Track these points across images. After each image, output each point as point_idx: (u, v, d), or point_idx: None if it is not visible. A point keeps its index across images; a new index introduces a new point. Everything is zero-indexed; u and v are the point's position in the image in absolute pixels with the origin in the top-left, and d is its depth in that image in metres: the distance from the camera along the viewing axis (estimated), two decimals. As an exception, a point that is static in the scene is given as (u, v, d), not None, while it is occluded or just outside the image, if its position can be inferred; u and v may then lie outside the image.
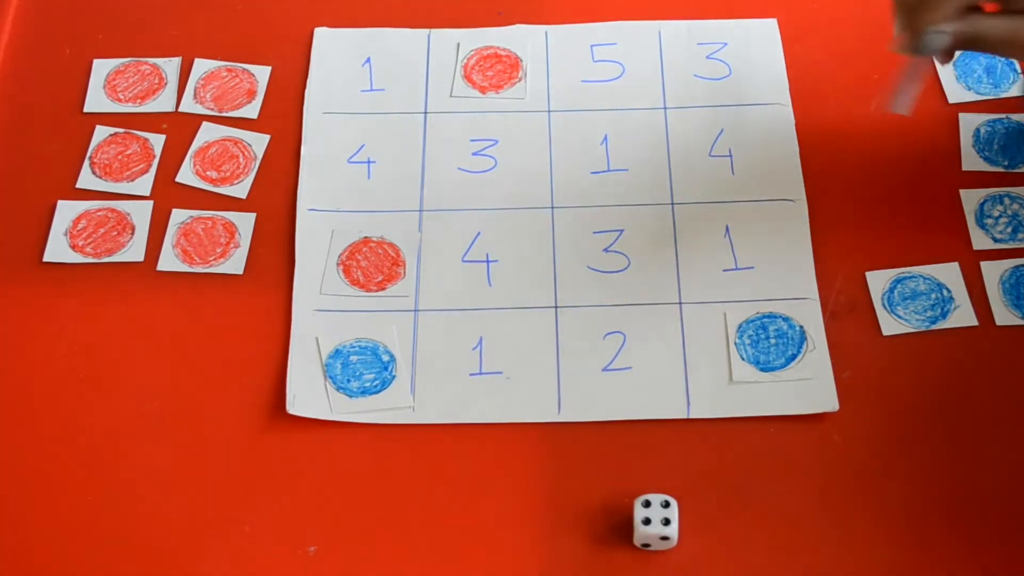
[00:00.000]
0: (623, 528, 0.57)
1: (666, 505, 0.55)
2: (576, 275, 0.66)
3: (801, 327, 0.63)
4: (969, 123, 0.70)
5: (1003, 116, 0.70)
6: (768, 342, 0.63)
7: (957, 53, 0.60)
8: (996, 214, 0.67)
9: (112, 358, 0.63)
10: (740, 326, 0.63)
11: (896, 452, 0.60)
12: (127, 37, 0.76)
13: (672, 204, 0.68)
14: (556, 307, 0.65)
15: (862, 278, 0.65)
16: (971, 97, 0.72)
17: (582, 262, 0.66)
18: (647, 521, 0.55)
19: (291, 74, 0.74)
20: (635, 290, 0.65)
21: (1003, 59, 0.73)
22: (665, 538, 0.55)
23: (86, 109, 0.73)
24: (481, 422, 0.61)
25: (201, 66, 0.74)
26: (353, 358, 0.63)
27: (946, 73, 0.72)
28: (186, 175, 0.70)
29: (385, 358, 0.63)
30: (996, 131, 0.70)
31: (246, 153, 0.70)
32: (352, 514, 0.58)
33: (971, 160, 0.69)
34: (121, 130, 0.71)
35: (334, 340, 0.63)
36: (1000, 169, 0.69)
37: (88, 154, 0.70)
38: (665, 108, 0.72)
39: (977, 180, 0.68)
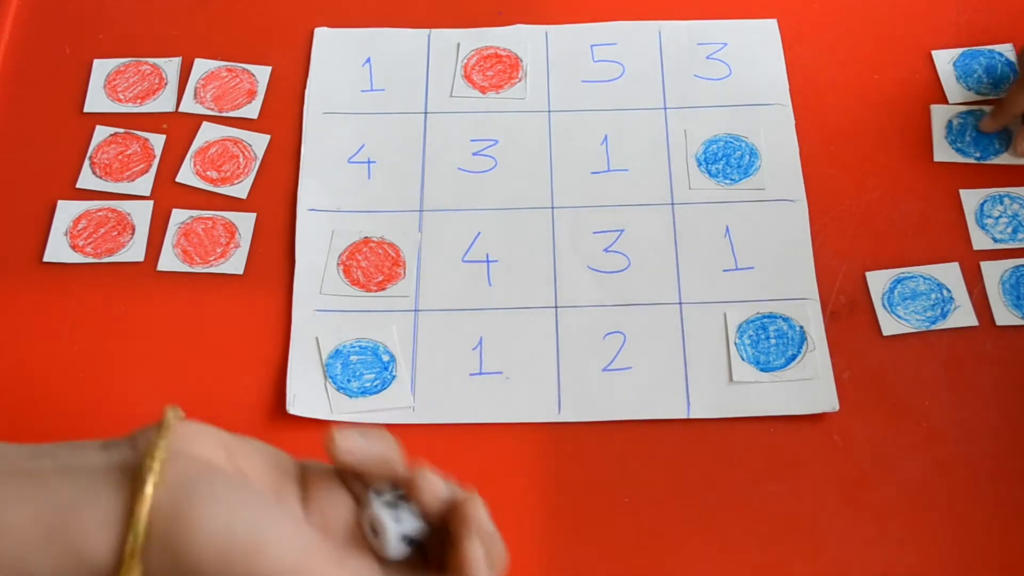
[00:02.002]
0: (623, 528, 0.57)
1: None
2: (576, 275, 0.66)
3: (801, 327, 0.63)
4: (941, 115, 0.70)
5: (976, 108, 0.70)
6: (768, 342, 0.63)
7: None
8: (996, 214, 0.67)
9: (112, 358, 0.63)
10: (740, 326, 0.63)
11: (896, 452, 0.60)
12: (127, 37, 0.76)
13: (672, 204, 0.68)
14: (556, 307, 0.65)
15: (862, 278, 0.65)
16: (971, 97, 0.72)
17: (582, 262, 0.66)
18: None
19: (291, 74, 0.74)
20: (635, 290, 0.65)
21: (1002, 59, 0.73)
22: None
23: (86, 109, 0.73)
24: (481, 422, 0.61)
25: (201, 66, 0.74)
26: (353, 358, 0.63)
27: (946, 73, 0.72)
28: (186, 175, 0.70)
29: (385, 358, 0.63)
30: (968, 123, 0.70)
31: (246, 153, 0.70)
32: (352, 514, 0.58)
33: (943, 152, 0.69)
34: (121, 130, 0.71)
35: (334, 340, 0.63)
36: (971, 160, 0.69)
37: (88, 154, 0.70)
38: (665, 108, 0.72)
39: (979, 177, 0.68)
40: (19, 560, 0.38)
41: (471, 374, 0.63)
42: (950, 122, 0.70)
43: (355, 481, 0.45)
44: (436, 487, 0.44)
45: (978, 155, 0.69)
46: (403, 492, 0.44)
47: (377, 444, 0.44)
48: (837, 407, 0.61)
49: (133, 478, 0.40)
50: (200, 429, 0.43)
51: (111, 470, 0.40)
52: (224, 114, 0.72)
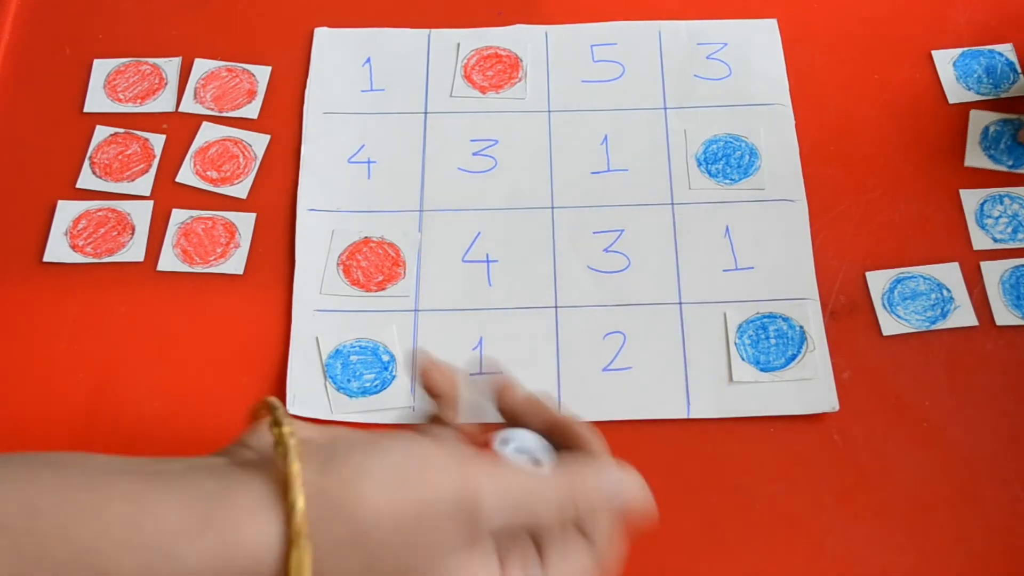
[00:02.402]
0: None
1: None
2: (576, 275, 0.66)
3: (801, 327, 0.63)
4: (979, 121, 0.71)
5: (1015, 117, 0.70)
6: (768, 342, 0.63)
7: None
8: (996, 214, 0.67)
9: (112, 358, 0.63)
10: (740, 326, 0.63)
11: (896, 452, 0.60)
12: (127, 37, 0.76)
13: (672, 204, 0.68)
14: (556, 307, 0.65)
15: (862, 278, 0.65)
16: (971, 97, 0.72)
17: (582, 262, 0.66)
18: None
19: (291, 74, 0.74)
20: (635, 290, 0.65)
21: (1003, 59, 0.73)
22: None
23: (86, 109, 0.73)
24: (481, 422, 0.61)
25: (201, 66, 0.74)
26: (353, 358, 0.63)
27: (946, 73, 0.73)
28: (186, 175, 0.70)
29: (385, 358, 0.63)
30: (1006, 131, 0.70)
31: (246, 153, 0.71)
32: (352, 514, 0.58)
33: (976, 157, 0.69)
34: (121, 130, 0.71)
35: (334, 340, 0.63)
36: (1003, 168, 0.69)
37: (88, 154, 0.70)
38: (665, 108, 0.72)
39: (977, 178, 0.68)
40: (171, 550, 0.38)
41: (471, 374, 0.62)
42: (986, 128, 0.70)
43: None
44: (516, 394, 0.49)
45: (1011, 163, 0.69)
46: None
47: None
48: (837, 407, 0.61)
49: (272, 464, 0.39)
50: (298, 421, 0.43)
51: (244, 464, 0.41)
52: (224, 114, 0.72)
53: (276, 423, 0.41)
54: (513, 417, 0.49)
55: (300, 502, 0.38)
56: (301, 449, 0.40)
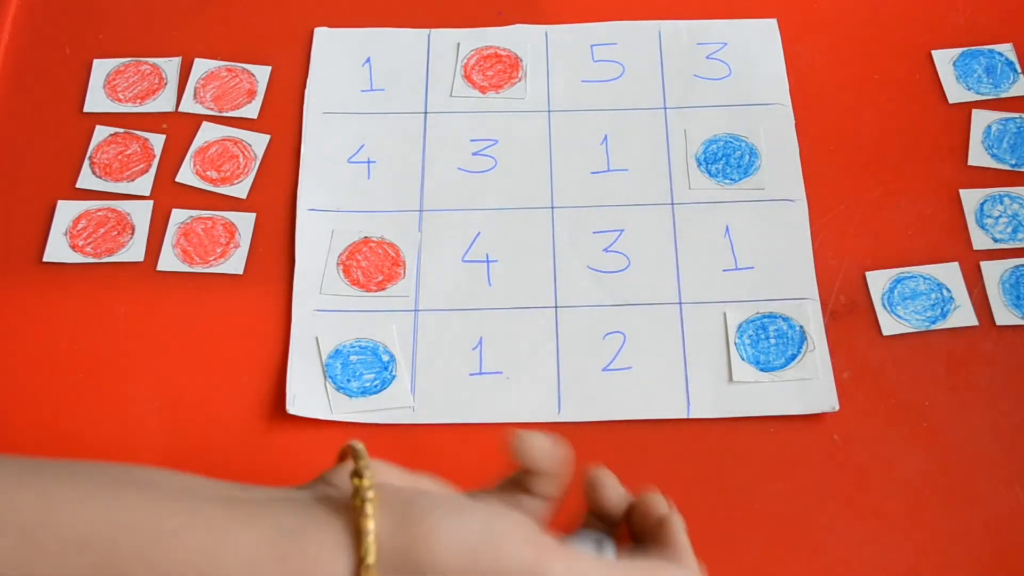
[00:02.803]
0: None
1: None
2: (576, 275, 0.66)
3: (801, 327, 0.63)
4: (981, 120, 0.70)
5: (1017, 115, 0.70)
6: (768, 342, 0.63)
7: None
8: (996, 214, 0.67)
9: (112, 358, 0.63)
10: (740, 326, 0.63)
11: (896, 452, 0.60)
12: (127, 37, 0.76)
13: (672, 204, 0.68)
14: (556, 307, 0.65)
15: (862, 278, 0.65)
16: (971, 97, 0.72)
17: (582, 262, 0.66)
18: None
19: (291, 74, 0.74)
20: (635, 290, 0.65)
21: (1003, 59, 0.73)
22: None
23: (86, 109, 0.73)
24: (481, 422, 0.61)
25: (201, 66, 0.74)
26: (353, 358, 0.63)
27: (946, 73, 0.73)
28: (186, 175, 0.70)
29: (385, 358, 0.63)
30: (1008, 129, 0.70)
31: (246, 153, 0.71)
32: (352, 514, 0.58)
33: (978, 156, 0.69)
34: (121, 130, 0.72)
35: (334, 340, 0.63)
36: (1005, 167, 0.69)
37: (88, 154, 0.70)
38: (665, 108, 0.72)
39: (977, 178, 0.68)
40: None
41: (471, 374, 0.63)
42: (989, 127, 0.70)
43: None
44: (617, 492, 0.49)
45: (1013, 162, 0.69)
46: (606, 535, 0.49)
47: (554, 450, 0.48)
48: (837, 407, 0.61)
49: (349, 507, 0.41)
50: (385, 464, 0.44)
51: (324, 501, 0.42)
52: (224, 114, 0.72)
53: (357, 474, 0.42)
54: (607, 513, 0.50)
55: (370, 558, 0.39)
56: (380, 499, 0.41)
